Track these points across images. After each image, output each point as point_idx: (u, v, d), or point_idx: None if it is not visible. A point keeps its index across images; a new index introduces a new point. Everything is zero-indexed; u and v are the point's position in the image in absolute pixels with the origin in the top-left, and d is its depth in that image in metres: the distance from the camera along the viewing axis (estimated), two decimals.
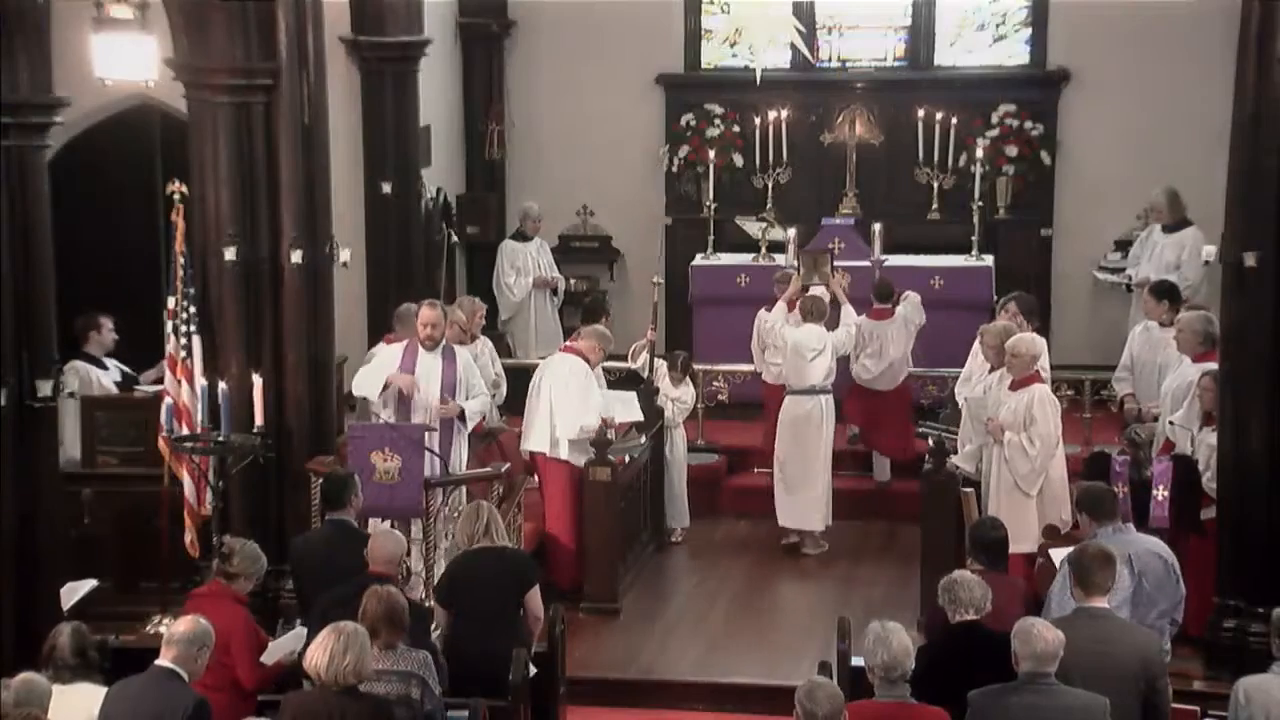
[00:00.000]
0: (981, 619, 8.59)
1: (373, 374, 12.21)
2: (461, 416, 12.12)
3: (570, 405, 12.81)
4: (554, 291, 17.03)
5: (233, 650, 9.13)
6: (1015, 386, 11.86)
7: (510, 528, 11.77)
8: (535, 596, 9.97)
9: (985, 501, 11.93)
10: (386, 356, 12.31)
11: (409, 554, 10.67)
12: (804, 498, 13.90)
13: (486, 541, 9.99)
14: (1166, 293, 13.59)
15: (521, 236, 16.96)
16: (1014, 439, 11.72)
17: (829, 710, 7.39)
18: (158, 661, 8.25)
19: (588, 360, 12.99)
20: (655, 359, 14.40)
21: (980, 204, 16.39)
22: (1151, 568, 9.35)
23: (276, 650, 9.41)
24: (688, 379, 14.41)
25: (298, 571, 10.45)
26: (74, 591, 10.34)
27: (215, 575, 9.60)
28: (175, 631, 8.36)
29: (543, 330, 16.81)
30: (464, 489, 11.99)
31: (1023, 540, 11.39)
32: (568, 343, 13.62)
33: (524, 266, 16.81)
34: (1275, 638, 8.41)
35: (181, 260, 11.59)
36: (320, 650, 7.96)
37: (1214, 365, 11.49)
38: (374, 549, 9.58)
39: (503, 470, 12.30)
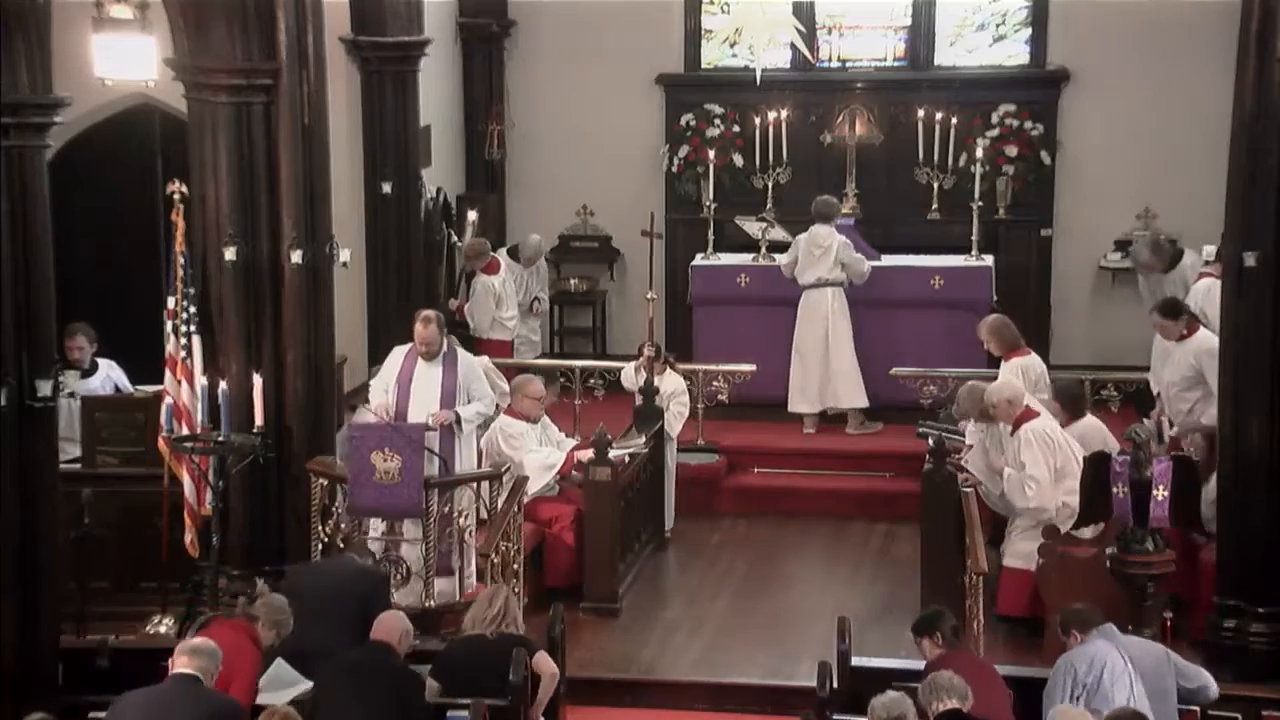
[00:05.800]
0: (967, 710, 8.16)
1: (379, 384, 12.14)
2: (457, 422, 11.94)
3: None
4: (533, 311, 16.74)
5: (233, 689, 8.92)
6: (1014, 429, 11.85)
7: (510, 527, 11.76)
8: (542, 659, 9.66)
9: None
10: (390, 361, 12.22)
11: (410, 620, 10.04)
12: (834, 372, 15.43)
13: (493, 629, 9.70)
14: (1172, 309, 13.24)
15: (515, 257, 16.80)
16: (1012, 474, 11.74)
17: None
18: (177, 670, 8.28)
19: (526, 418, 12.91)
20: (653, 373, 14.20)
21: (980, 204, 16.38)
22: (1146, 665, 8.97)
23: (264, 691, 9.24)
24: (669, 369, 14.17)
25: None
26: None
27: (240, 612, 9.51)
28: (195, 643, 8.44)
29: (522, 339, 16.58)
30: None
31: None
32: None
33: (504, 294, 16.13)
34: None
35: (181, 260, 11.60)
36: None
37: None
38: (379, 624, 9.33)
39: (503, 470, 12.29)
